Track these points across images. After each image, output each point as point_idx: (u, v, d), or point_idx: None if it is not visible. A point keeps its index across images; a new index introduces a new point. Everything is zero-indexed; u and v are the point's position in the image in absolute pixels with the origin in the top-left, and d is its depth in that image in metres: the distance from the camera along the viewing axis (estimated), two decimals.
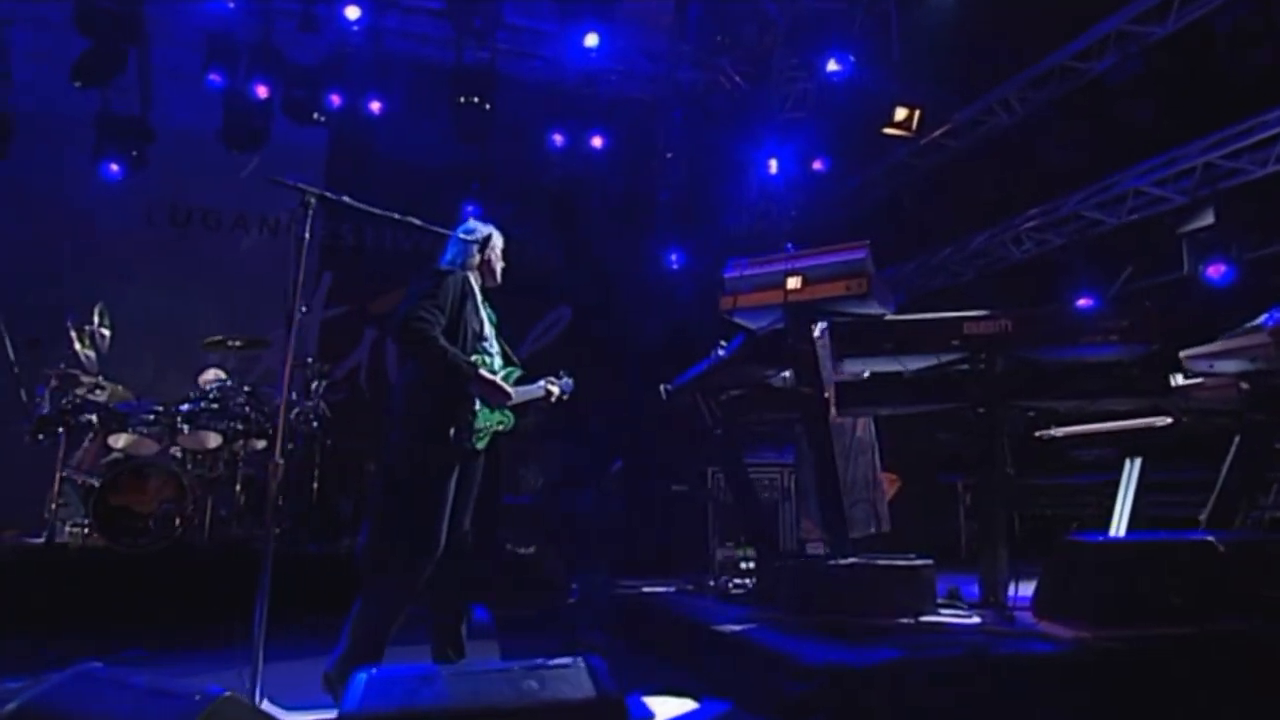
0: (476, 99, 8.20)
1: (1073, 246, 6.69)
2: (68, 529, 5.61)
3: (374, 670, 2.18)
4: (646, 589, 4.98)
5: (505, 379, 3.35)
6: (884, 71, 7.64)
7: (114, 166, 7.93)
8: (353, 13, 7.07)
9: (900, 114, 7.91)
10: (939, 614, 3.80)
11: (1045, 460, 7.17)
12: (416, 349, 2.97)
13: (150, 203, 8.96)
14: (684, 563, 5.44)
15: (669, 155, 8.23)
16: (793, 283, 3.90)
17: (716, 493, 5.56)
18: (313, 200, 2.79)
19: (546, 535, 6.55)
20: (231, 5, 6.96)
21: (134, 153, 8.08)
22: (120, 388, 5.91)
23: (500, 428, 3.25)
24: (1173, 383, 4.04)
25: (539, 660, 2.30)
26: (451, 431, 2.94)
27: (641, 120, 8.60)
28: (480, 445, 3.09)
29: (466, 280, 3.25)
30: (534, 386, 3.57)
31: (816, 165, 8.03)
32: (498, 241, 3.48)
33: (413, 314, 2.98)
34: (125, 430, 5.64)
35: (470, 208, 9.45)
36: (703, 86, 8.39)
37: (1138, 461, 5.34)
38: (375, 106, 8.35)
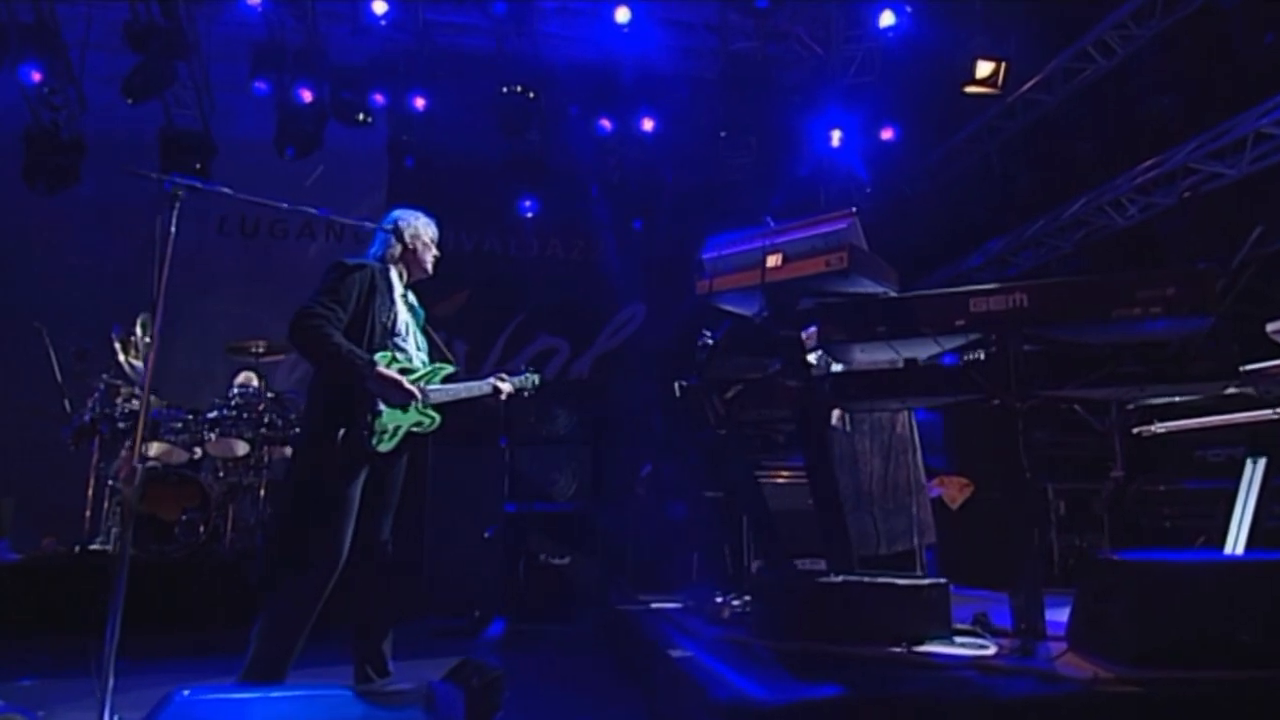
0: (519, 88, 8.23)
1: (1186, 207, 5.89)
2: (115, 535, 5.99)
3: (188, 690, 2.11)
4: (654, 604, 4.76)
5: (429, 376, 3.24)
6: (959, 23, 7.05)
7: (178, 180, 8.47)
8: (379, 7, 7.22)
9: (984, 69, 7.28)
10: (951, 642, 3.39)
11: (1167, 462, 6.39)
12: (306, 345, 2.91)
13: (223, 214, 9.51)
14: (714, 576, 5.17)
15: (722, 134, 7.91)
16: (772, 261, 3.58)
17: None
18: (181, 193, 2.77)
19: (583, 545, 6.43)
20: (259, 8, 7.22)
21: (197, 165, 8.60)
22: (154, 397, 6.26)
23: (419, 429, 3.14)
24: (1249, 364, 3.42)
25: (381, 684, 2.17)
26: (341, 431, 2.85)
27: (695, 98, 8.33)
28: (383, 447, 2.98)
29: (378, 273, 3.17)
30: (475, 383, 3.44)
31: (887, 134, 7.50)
32: (423, 232, 3.37)
33: (305, 310, 2.93)
34: (155, 439, 5.97)
35: (528, 201, 9.56)
36: (758, 57, 8.04)
37: (1261, 462, 4.64)
38: (430, 104, 8.53)
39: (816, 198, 8.57)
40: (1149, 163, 6.13)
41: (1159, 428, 5.47)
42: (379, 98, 8.35)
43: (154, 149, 8.60)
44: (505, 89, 8.17)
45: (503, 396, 3.55)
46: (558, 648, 4.69)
